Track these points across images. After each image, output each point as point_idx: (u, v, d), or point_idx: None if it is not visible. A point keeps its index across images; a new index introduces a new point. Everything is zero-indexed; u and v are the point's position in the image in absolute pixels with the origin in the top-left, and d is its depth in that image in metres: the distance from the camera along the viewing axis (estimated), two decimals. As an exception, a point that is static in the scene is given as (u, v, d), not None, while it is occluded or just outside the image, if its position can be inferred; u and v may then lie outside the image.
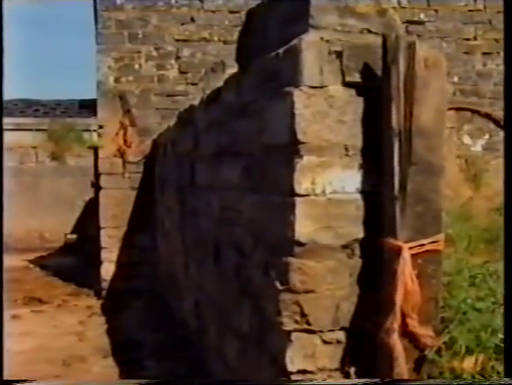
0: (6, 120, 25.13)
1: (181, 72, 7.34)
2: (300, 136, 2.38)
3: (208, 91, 4.50)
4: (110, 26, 7.30)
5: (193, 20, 7.38)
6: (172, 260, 5.79)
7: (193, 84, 7.30)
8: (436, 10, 7.53)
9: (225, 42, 7.31)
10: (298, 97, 2.40)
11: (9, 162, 21.72)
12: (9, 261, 10.87)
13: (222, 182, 3.60)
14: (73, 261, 10.72)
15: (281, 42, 2.77)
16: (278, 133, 2.59)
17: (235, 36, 7.21)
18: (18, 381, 2.53)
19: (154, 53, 7.31)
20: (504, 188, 2.28)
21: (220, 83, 4.00)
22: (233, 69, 6.07)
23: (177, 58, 7.35)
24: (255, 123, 2.92)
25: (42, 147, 23.56)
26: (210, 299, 3.93)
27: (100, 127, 7.31)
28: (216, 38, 7.34)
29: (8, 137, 23.83)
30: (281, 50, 2.64)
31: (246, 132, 3.09)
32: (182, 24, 7.37)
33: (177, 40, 7.35)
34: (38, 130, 24.74)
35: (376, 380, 2.28)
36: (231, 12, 7.41)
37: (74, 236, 13.03)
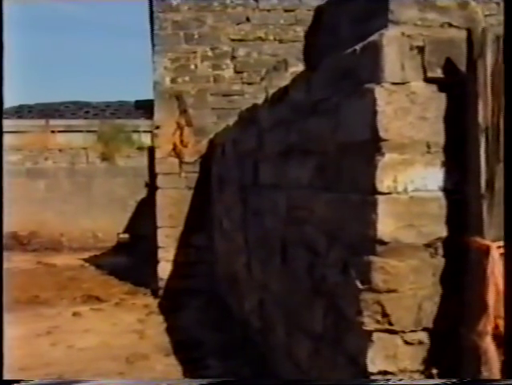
0: (58, 122, 25.71)
1: (237, 72, 7.36)
2: (382, 134, 2.34)
3: (271, 90, 4.48)
4: (166, 27, 7.37)
5: (248, 19, 7.39)
6: (231, 259, 5.79)
7: (249, 84, 7.32)
8: None
9: (280, 41, 7.30)
10: (380, 94, 2.36)
11: (61, 163, 22.22)
12: (65, 259, 11.15)
13: (290, 181, 3.58)
14: (126, 261, 10.88)
15: (355, 38, 2.73)
16: (355, 131, 2.55)
17: (290, 35, 7.24)
18: (17, 381, 2.56)
19: (210, 53, 7.35)
20: (504, 187, 2.23)
21: (283, 82, 3.98)
22: (295, 68, 6.09)
23: (233, 57, 7.37)
24: (328, 121, 2.89)
25: (92, 149, 24.01)
26: (277, 298, 3.91)
27: (157, 127, 7.38)
28: (271, 37, 7.33)
29: (59, 138, 24.43)
30: (358, 47, 2.60)
31: (318, 130, 3.06)
32: (237, 24, 7.39)
33: (233, 40, 7.37)
34: (88, 131, 25.25)
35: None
36: (286, 11, 7.40)
37: (126, 235, 13.22)
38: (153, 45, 7.64)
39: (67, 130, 25.70)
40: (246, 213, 4.87)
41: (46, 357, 5.13)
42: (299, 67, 5.35)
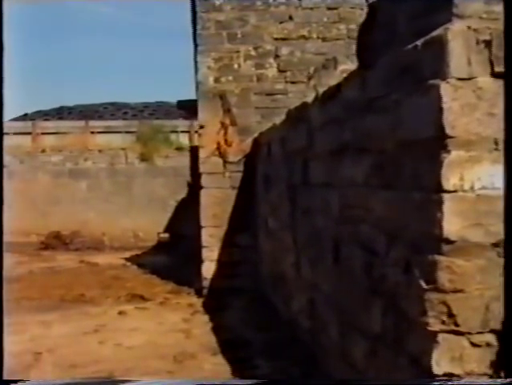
0: (97, 123, 26.04)
1: (280, 71, 7.34)
2: (448, 130, 2.29)
3: (321, 89, 4.45)
4: (209, 27, 7.39)
5: (291, 18, 7.37)
6: (277, 258, 5.77)
7: (292, 83, 7.29)
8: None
9: (323, 40, 7.25)
10: (445, 90, 2.30)
11: (101, 164, 22.49)
12: (107, 259, 11.27)
13: (343, 179, 3.53)
14: (167, 260, 10.94)
15: (414, 34, 2.68)
16: (418, 128, 2.50)
17: (334, 33, 7.18)
18: (16, 381, 2.56)
19: (253, 52, 7.34)
20: (504, 187, 2.16)
21: (333, 80, 3.94)
22: (345, 66, 6.04)
23: (276, 56, 7.35)
24: (387, 119, 2.85)
25: (131, 149, 24.28)
26: (328, 298, 3.88)
27: (201, 127, 7.39)
28: (314, 36, 7.30)
29: (99, 139, 24.75)
30: (419, 42, 2.55)
31: (375, 128, 3.02)
32: (280, 22, 7.37)
33: (276, 39, 7.36)
34: (127, 132, 25.56)
35: None
36: (329, 9, 7.35)
37: (166, 235, 13.30)
38: (196, 45, 7.66)
39: (107, 131, 26.01)
40: (295, 212, 4.84)
41: (94, 354, 5.17)
42: (349, 65, 5.31)
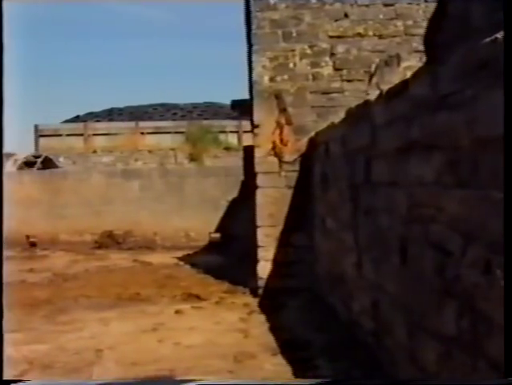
0: (147, 124, 26.43)
1: (336, 69, 7.27)
2: (531, 125, 2.20)
3: (383, 86, 4.37)
4: (264, 26, 7.37)
5: (346, 16, 7.29)
6: (336, 259, 5.71)
7: (349, 81, 7.21)
8: None
9: (380, 37, 7.15)
10: (528, 84, 2.22)
11: (151, 164, 22.78)
12: (159, 258, 11.37)
13: (411, 178, 3.46)
14: (220, 259, 10.96)
15: (492, 27, 2.60)
16: (496, 124, 2.42)
17: (391, 30, 7.07)
18: (16, 381, 2.54)
19: (308, 51, 7.29)
20: (504, 188, 2.04)
21: (396, 77, 3.87)
22: (408, 62, 5.95)
23: (332, 55, 7.28)
24: (461, 115, 2.77)
25: (180, 149, 24.56)
26: (395, 299, 3.80)
27: (256, 126, 7.37)
28: (371, 33, 7.20)
29: (149, 140, 25.08)
30: (499, 35, 2.47)
31: (447, 125, 2.94)
32: (336, 20, 7.30)
33: (331, 37, 7.29)
34: (176, 132, 25.90)
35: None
36: (385, 5, 7.25)
37: (218, 235, 13.33)
38: (250, 44, 7.65)
39: (156, 131, 26.43)
40: (356, 212, 4.78)
41: (154, 353, 5.20)
42: (412, 62, 5.24)
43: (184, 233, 13.71)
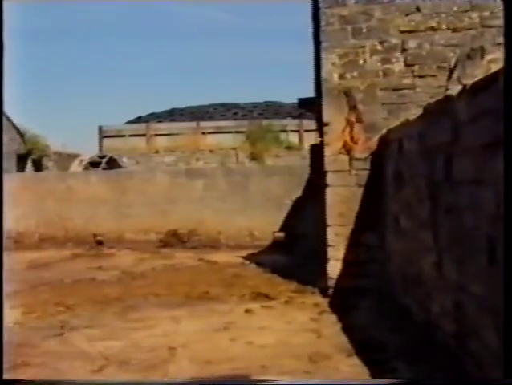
0: (209, 124, 26.68)
1: (407, 65, 7.10)
2: None
3: (465, 80, 4.22)
4: (333, 22, 7.27)
5: (418, 10, 7.11)
6: (411, 258, 5.57)
7: (421, 77, 7.03)
8: None
9: (454, 30, 6.94)
10: None
11: (212, 163, 22.94)
12: (224, 257, 11.42)
13: (500, 175, 3.31)
14: (285, 259, 10.92)
15: None
16: None
17: (466, 22, 6.86)
18: (17, 381, 2.48)
19: (379, 47, 7.15)
20: (504, 188, 1.86)
21: (480, 70, 3.72)
22: (493, 55, 5.76)
23: (403, 50, 7.12)
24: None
25: (241, 149, 24.68)
26: (481, 301, 3.66)
27: (326, 124, 7.27)
28: (444, 27, 6.99)
29: (210, 139, 25.30)
30: None
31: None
32: (407, 15, 7.13)
33: (402, 32, 7.12)
34: (237, 132, 26.05)
35: None
36: (460, -3, 7.02)
37: (281, 234, 13.29)
38: (318, 42, 7.57)
39: (217, 131, 26.66)
40: (436, 210, 4.63)
41: (228, 352, 5.19)
42: (496, 54, 5.05)
43: (248, 232, 13.73)
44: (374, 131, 7.08)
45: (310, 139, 24.18)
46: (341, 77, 7.22)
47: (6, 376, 4.66)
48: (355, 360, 4.83)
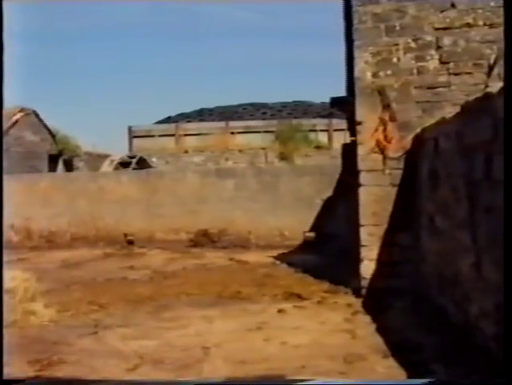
0: (238, 124, 26.69)
1: (442, 62, 6.99)
2: None
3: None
4: (366, 20, 7.20)
5: (453, 6, 7.00)
6: (448, 259, 5.48)
7: (456, 74, 6.91)
8: None
9: (490, 26, 6.81)
10: None
11: (241, 163, 22.95)
12: (254, 257, 11.40)
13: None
14: (316, 259, 10.86)
15: None
16: None
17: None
18: (17, 381, 2.45)
19: (412, 44, 7.06)
20: (504, 189, 1.77)
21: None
22: None
23: (438, 47, 7.01)
24: None
25: (270, 148, 24.65)
26: (524, 302, 3.56)
27: (359, 123, 7.20)
28: (480, 23, 6.86)
29: (239, 139, 25.33)
30: None
31: None
32: (442, 11, 7.02)
33: (437, 29, 7.02)
34: (266, 132, 26.03)
35: None
36: (497, -8, 6.89)
37: (312, 234, 13.23)
38: (350, 40, 7.50)
39: (246, 131, 26.65)
40: (474, 210, 4.55)
41: (262, 352, 5.17)
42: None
43: (279, 231, 13.69)
44: (408, 129, 6.98)
45: (340, 138, 24.06)
46: (374, 75, 7.14)
47: (42, 373, 4.75)
48: (391, 361, 4.77)
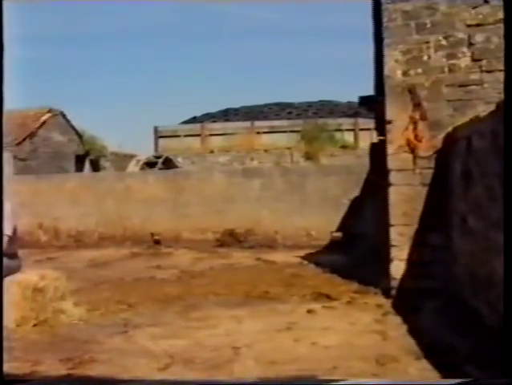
0: (263, 123, 26.63)
1: (474, 60, 6.88)
2: None
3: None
4: (396, 18, 7.12)
5: (486, 1, 6.88)
6: (481, 260, 5.39)
7: (489, 72, 6.80)
8: None
9: (525, 22, 6.67)
10: None
11: (267, 163, 22.91)
12: (281, 257, 11.37)
13: None
14: (343, 259, 10.81)
15: None
16: None
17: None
18: (17, 381, 2.42)
19: (444, 42, 6.96)
20: (504, 189, 1.69)
21: None
22: None
23: (470, 45, 6.91)
24: None
25: (296, 148, 24.58)
26: None
27: (389, 122, 7.12)
28: (515, 19, 6.72)
29: (264, 139, 25.30)
30: None
31: None
32: (474, 7, 6.91)
33: (469, 26, 6.91)
34: (292, 131, 25.96)
35: None
36: (533, -14, 6.75)
37: (339, 234, 13.16)
38: (380, 39, 7.43)
39: (272, 131, 26.59)
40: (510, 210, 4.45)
41: (292, 352, 5.13)
42: None
43: (306, 231, 13.64)
44: (439, 128, 6.89)
45: (366, 138, 23.91)
46: (404, 74, 7.06)
47: (74, 371, 4.77)
48: (425, 363, 4.70)
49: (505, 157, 2.03)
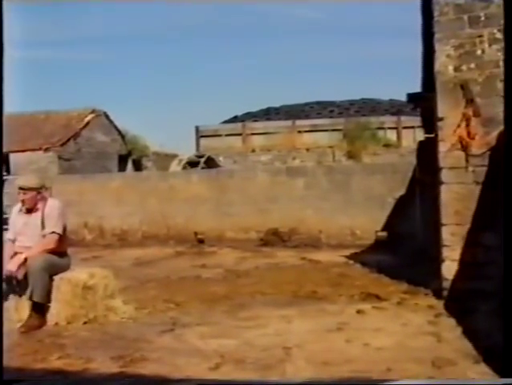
0: (304, 122, 26.47)
1: (531, 53, 6.65)
2: None
3: None
4: (447, 12, 6.94)
5: (542, -6, 6.65)
6: (541, 260, 5.19)
7: (549, 65, 6.56)
8: None
9: None
10: None
11: (308, 162, 22.80)
12: (326, 256, 11.25)
13: None
14: (390, 259, 10.65)
15: None
16: None
17: None
18: (18, 381, 2.33)
19: (498, 35, 6.72)
20: (504, 189, 1.53)
21: None
22: None
23: (526, 38, 6.68)
24: None
25: (338, 147, 24.39)
26: None
27: (440, 119, 6.94)
28: None
29: (306, 138, 25.19)
30: None
31: None
32: (530, 0, 6.68)
33: (525, 19, 6.68)
34: (333, 130, 25.78)
35: None
36: None
37: (384, 233, 12.99)
38: (429, 34, 7.26)
39: (313, 129, 26.44)
40: None
41: (344, 353, 5.05)
42: None
43: (350, 231, 13.50)
44: (493, 125, 6.66)
45: (409, 136, 23.59)
46: (456, 69, 6.86)
47: (126, 369, 4.76)
48: (484, 367, 4.56)
49: (505, 157, 1.91)
